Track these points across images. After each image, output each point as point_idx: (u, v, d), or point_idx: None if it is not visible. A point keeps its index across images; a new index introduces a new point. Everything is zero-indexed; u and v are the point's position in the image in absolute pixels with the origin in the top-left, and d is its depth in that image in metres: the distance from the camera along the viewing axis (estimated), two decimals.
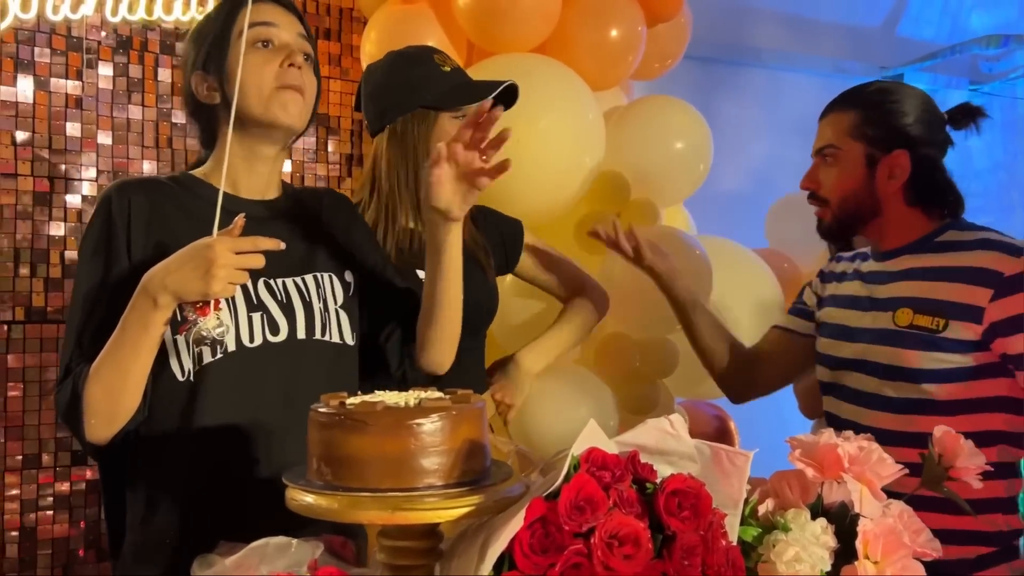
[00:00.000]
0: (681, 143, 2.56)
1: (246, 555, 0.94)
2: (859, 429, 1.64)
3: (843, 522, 1.01)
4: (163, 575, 1.26)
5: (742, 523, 1.00)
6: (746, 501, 1.01)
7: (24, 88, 2.56)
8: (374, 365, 1.48)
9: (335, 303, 1.41)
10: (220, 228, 1.20)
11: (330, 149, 3.04)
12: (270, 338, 1.33)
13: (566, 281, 2.01)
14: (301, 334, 1.36)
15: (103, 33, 2.67)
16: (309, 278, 1.40)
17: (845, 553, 0.99)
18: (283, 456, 1.19)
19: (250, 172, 1.40)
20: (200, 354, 1.29)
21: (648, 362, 2.39)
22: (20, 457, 2.55)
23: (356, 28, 3.02)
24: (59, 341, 2.60)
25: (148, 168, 2.73)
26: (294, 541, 0.96)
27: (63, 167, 2.62)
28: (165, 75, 2.76)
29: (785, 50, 4.44)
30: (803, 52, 4.54)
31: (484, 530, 0.85)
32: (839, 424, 1.70)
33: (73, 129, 2.63)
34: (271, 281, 1.35)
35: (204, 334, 1.20)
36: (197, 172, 1.43)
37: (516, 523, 0.82)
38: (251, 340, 1.32)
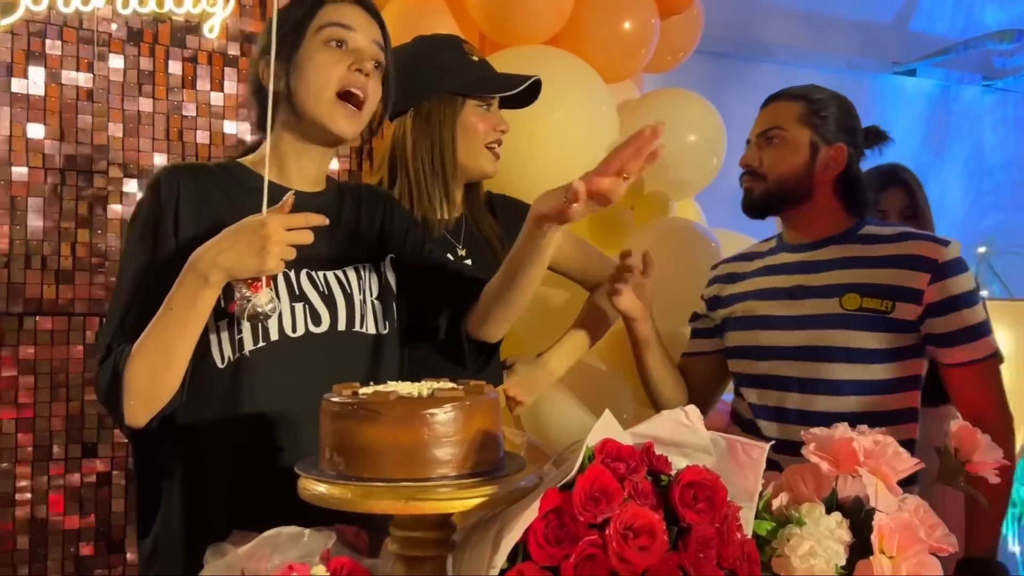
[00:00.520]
0: (694, 136, 2.55)
1: (259, 544, 0.94)
2: (807, 416, 1.73)
3: (858, 516, 1.00)
4: (194, 563, 1.26)
5: (756, 517, 0.99)
6: (759, 495, 1.00)
7: (36, 80, 2.56)
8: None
9: (371, 295, 1.43)
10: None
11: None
12: (312, 328, 1.35)
13: (592, 269, 2.00)
14: (342, 325, 1.38)
15: (114, 25, 2.67)
16: (350, 270, 1.42)
17: (860, 548, 0.98)
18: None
19: (299, 163, 1.42)
20: (241, 341, 1.31)
21: None
22: (31, 449, 2.56)
23: None
24: (70, 334, 2.61)
25: (159, 160, 2.73)
26: (307, 531, 0.96)
27: (75, 159, 2.62)
28: (176, 67, 2.77)
29: (796, 46, 4.42)
30: (814, 48, 4.52)
31: (498, 521, 0.85)
32: (767, 413, 1.80)
33: (84, 121, 2.63)
34: (313, 273, 1.37)
35: (258, 309, 1.19)
36: (245, 160, 1.44)
37: (530, 514, 0.81)
38: (294, 330, 1.34)
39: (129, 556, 2.69)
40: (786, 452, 1.25)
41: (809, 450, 1.07)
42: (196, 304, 1.21)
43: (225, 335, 1.31)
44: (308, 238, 1.21)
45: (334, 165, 3.00)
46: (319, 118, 1.36)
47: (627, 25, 2.53)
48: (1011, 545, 3.61)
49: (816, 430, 1.10)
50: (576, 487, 0.82)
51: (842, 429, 1.08)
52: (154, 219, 1.33)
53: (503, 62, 2.01)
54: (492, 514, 0.88)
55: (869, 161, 1.98)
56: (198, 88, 2.80)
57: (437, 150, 1.76)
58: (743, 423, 1.89)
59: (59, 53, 2.59)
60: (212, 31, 2.76)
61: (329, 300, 1.38)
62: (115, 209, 2.69)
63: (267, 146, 1.28)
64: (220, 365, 1.31)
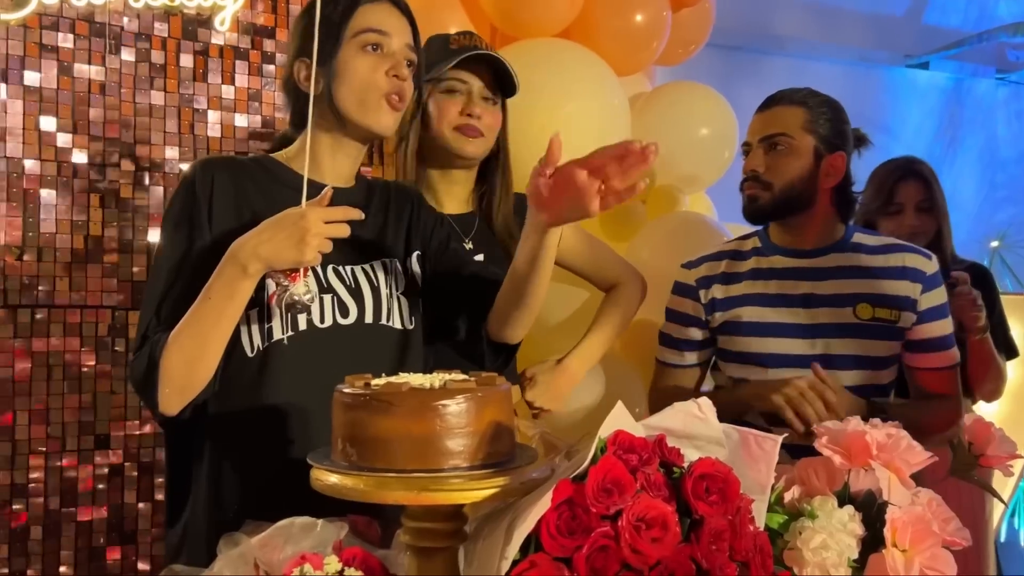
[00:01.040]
0: (706, 130, 2.55)
1: (271, 534, 0.94)
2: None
3: (870, 510, 1.00)
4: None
5: (768, 510, 0.99)
6: (771, 488, 1.00)
7: (48, 74, 2.57)
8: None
9: (398, 290, 1.45)
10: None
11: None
12: (340, 320, 1.37)
13: (603, 269, 2.00)
14: (369, 318, 1.40)
15: (125, 19, 2.68)
16: (377, 265, 1.44)
17: (873, 541, 0.98)
18: None
19: (333, 159, 1.44)
20: (270, 330, 1.33)
21: None
22: (44, 440, 2.57)
23: None
24: (83, 326, 2.62)
25: (171, 154, 2.74)
26: (319, 521, 0.96)
27: (87, 153, 2.63)
28: (187, 61, 2.77)
29: (808, 39, 4.40)
30: (827, 41, 4.50)
31: (510, 512, 0.85)
32: (776, 419, 1.74)
33: (96, 115, 2.64)
34: (340, 268, 1.40)
35: (296, 299, 1.22)
36: (279, 155, 1.47)
37: (543, 505, 0.81)
38: (322, 321, 1.36)
39: (142, 548, 2.70)
40: (796, 456, 1.24)
41: (822, 443, 1.06)
42: (234, 294, 1.23)
43: (255, 325, 1.33)
44: (345, 231, 1.24)
45: None
46: (363, 120, 1.39)
47: (639, 18, 2.53)
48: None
49: (829, 423, 1.10)
50: (589, 478, 0.82)
51: (855, 422, 1.08)
52: (188, 212, 1.35)
53: (514, 55, 2.01)
54: (504, 505, 0.88)
55: (873, 157, 1.99)
56: (209, 81, 2.80)
57: (398, 137, 1.80)
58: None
59: (71, 47, 2.60)
60: (223, 24, 2.76)
61: (356, 293, 1.40)
62: (127, 202, 2.70)
63: (306, 144, 1.32)
64: (250, 354, 1.33)
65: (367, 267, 1.43)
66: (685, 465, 0.88)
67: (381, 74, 1.38)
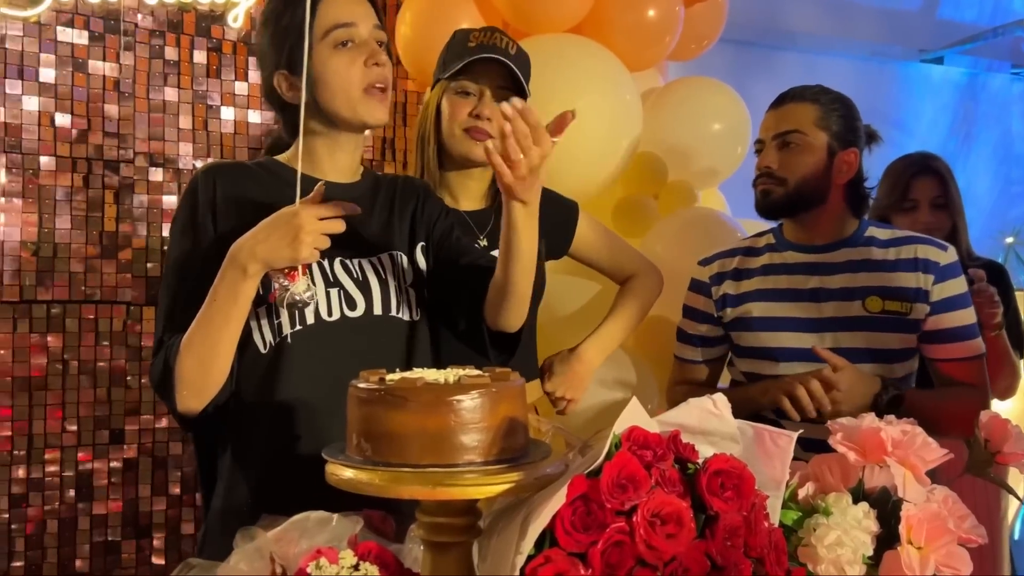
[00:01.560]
0: (719, 124, 2.54)
1: (287, 529, 0.95)
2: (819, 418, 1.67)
3: (885, 507, 1.00)
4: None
5: (782, 507, 0.99)
6: (786, 484, 0.99)
7: (62, 71, 2.59)
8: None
9: (405, 282, 1.46)
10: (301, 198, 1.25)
11: (366, 132, 3.04)
12: (348, 312, 1.38)
13: (621, 263, 2.00)
14: (377, 310, 1.41)
15: (140, 16, 2.69)
16: (384, 257, 1.45)
17: (888, 538, 0.98)
18: None
19: (331, 156, 1.45)
20: (280, 326, 1.35)
21: None
22: (59, 435, 2.59)
23: (390, 10, 3.02)
24: (97, 321, 2.63)
25: (184, 150, 2.75)
26: (335, 516, 0.96)
27: (101, 149, 2.64)
28: (200, 57, 2.78)
29: (821, 33, 4.37)
30: (840, 36, 4.47)
31: (524, 507, 0.85)
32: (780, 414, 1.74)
33: (110, 111, 2.65)
34: (347, 261, 1.40)
35: (296, 297, 1.23)
36: (280, 157, 1.48)
37: (558, 500, 0.81)
38: (329, 314, 1.37)
39: (156, 541, 2.72)
40: (809, 450, 1.24)
41: (836, 440, 1.06)
42: (237, 296, 1.25)
43: (265, 321, 1.35)
44: (340, 227, 1.24)
45: None
46: (354, 118, 1.40)
47: (651, 13, 2.52)
48: None
49: (843, 420, 1.09)
50: (603, 474, 0.82)
51: (869, 419, 1.07)
52: (193, 217, 1.37)
53: (526, 51, 2.00)
54: (518, 500, 0.88)
55: (887, 153, 1.98)
56: (223, 77, 2.82)
57: (420, 136, 1.82)
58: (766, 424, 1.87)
59: (85, 43, 2.61)
60: (236, 20, 2.77)
61: (363, 286, 1.41)
62: (141, 198, 2.71)
63: (298, 148, 1.33)
64: (262, 351, 1.35)
65: (374, 260, 1.43)
66: (700, 461, 0.88)
67: (359, 67, 1.37)
